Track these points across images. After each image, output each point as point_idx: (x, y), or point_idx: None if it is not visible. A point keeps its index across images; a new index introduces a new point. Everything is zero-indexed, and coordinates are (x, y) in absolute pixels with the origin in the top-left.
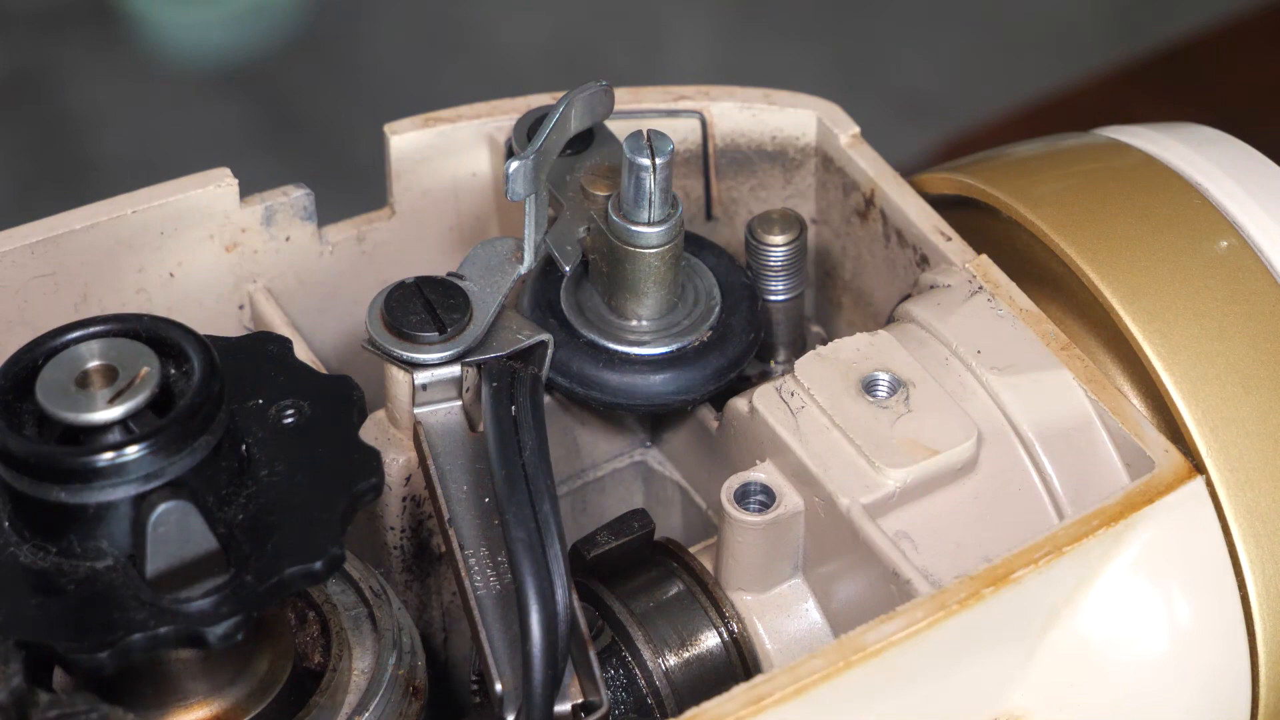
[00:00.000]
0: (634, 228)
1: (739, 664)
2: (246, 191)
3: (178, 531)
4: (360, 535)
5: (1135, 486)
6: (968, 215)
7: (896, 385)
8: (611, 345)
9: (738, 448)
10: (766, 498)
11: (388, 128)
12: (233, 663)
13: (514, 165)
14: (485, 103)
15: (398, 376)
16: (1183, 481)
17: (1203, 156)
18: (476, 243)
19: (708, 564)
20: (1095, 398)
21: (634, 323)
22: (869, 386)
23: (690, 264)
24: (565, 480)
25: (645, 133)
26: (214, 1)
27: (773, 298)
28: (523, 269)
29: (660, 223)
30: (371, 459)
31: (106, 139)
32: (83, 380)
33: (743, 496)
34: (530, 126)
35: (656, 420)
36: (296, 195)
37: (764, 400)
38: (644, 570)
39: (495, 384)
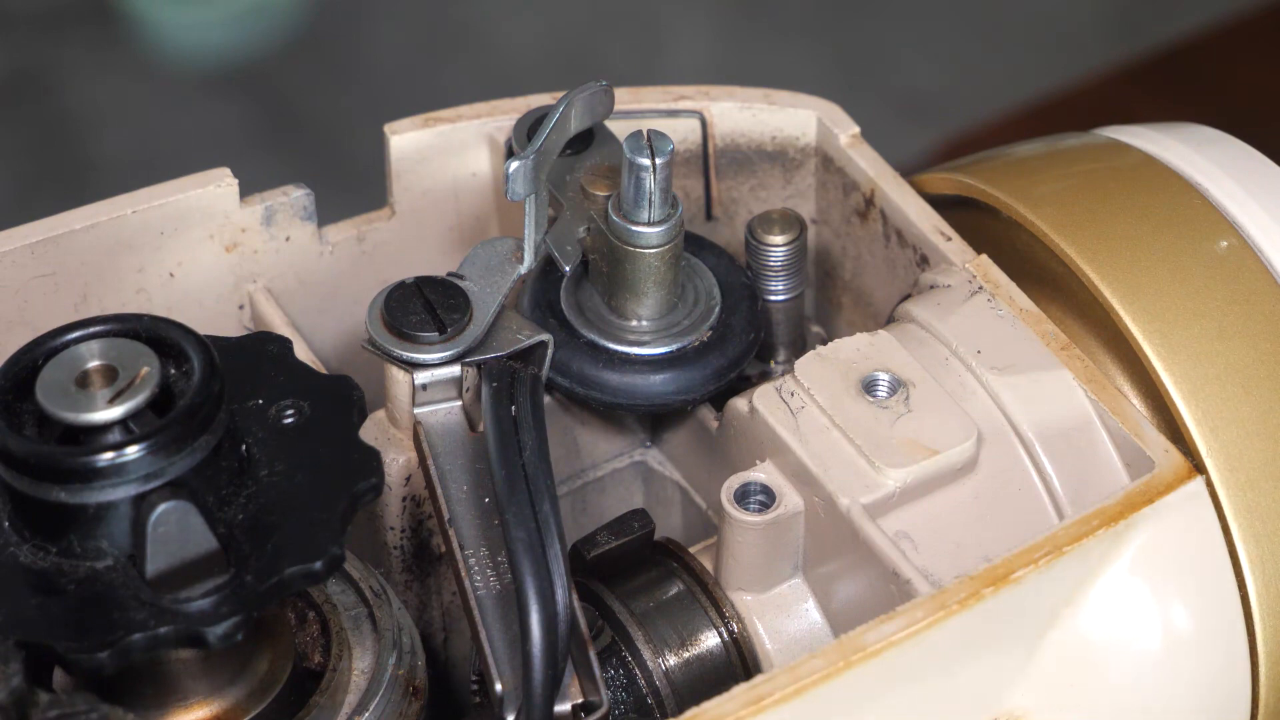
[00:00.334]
0: (634, 228)
1: (739, 664)
2: (246, 191)
3: (178, 531)
4: (360, 535)
5: (1135, 486)
6: (968, 215)
7: (896, 385)
8: (611, 345)
9: (738, 448)
10: (766, 498)
11: (388, 128)
12: (233, 663)
13: (514, 165)
14: (485, 103)
15: (398, 376)
16: (1183, 481)
17: (1203, 156)
18: (476, 243)
19: (708, 564)
20: (1095, 398)
21: (634, 323)
22: (869, 386)
23: (690, 264)
24: (565, 480)
25: (645, 133)
26: (214, 1)
27: (773, 298)
28: (523, 269)
29: (660, 223)
30: (371, 459)
31: (106, 139)
32: (83, 380)
33: (743, 496)
34: (530, 126)
35: (656, 420)
36: (296, 195)
37: (764, 400)
38: (644, 570)
39: (495, 384)
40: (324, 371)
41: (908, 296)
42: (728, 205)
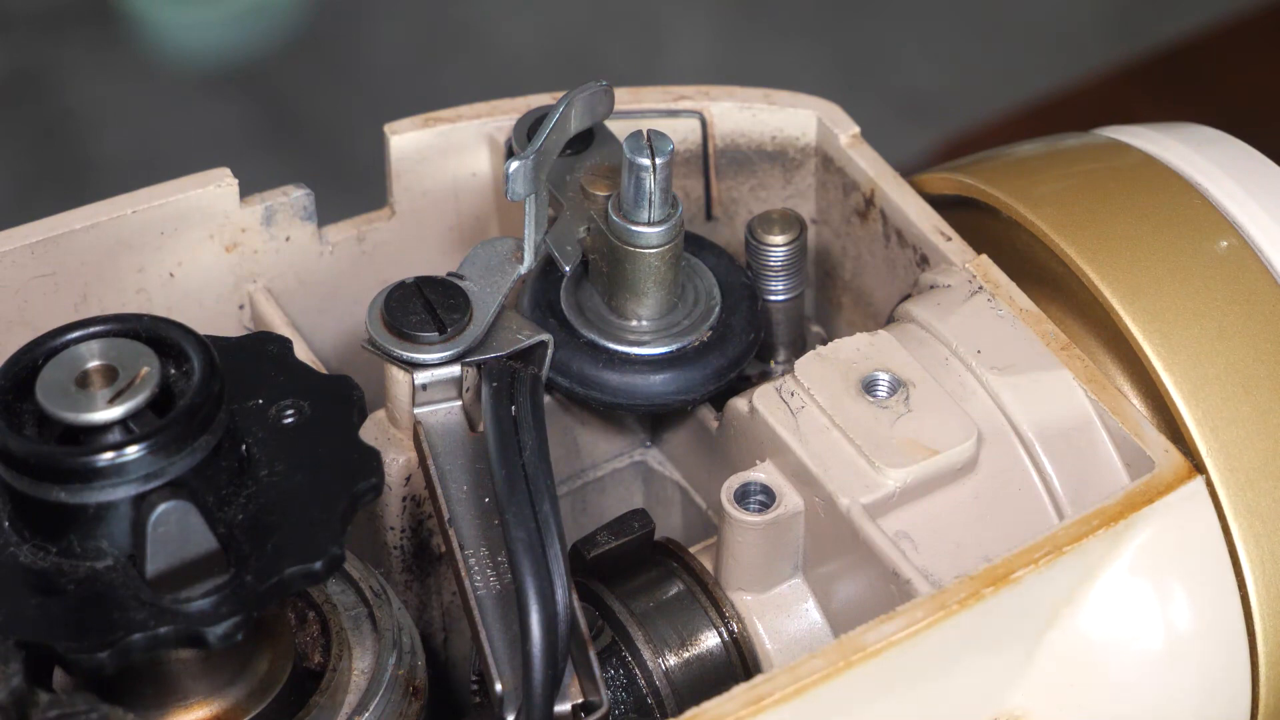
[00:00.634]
0: (634, 228)
1: (739, 664)
2: (246, 191)
3: (178, 531)
4: (360, 535)
5: (1135, 486)
6: (968, 215)
7: (896, 385)
8: (611, 345)
9: (738, 448)
10: (766, 498)
11: (388, 128)
12: (233, 663)
13: (514, 165)
14: (485, 103)
15: (398, 376)
16: (1183, 481)
17: (1203, 156)
18: (476, 243)
19: (708, 564)
20: (1095, 398)
21: (634, 323)
22: (869, 386)
23: (690, 264)
24: (565, 480)
25: (645, 133)
26: (214, 1)
27: (773, 298)
28: (523, 269)
29: (660, 223)
30: (371, 459)
31: (106, 139)
32: (83, 380)
33: (743, 496)
34: (530, 126)
35: (656, 420)
36: (296, 195)
37: (764, 400)
38: (644, 570)
39: (495, 384)
40: (324, 371)
41: (908, 296)
42: (728, 205)
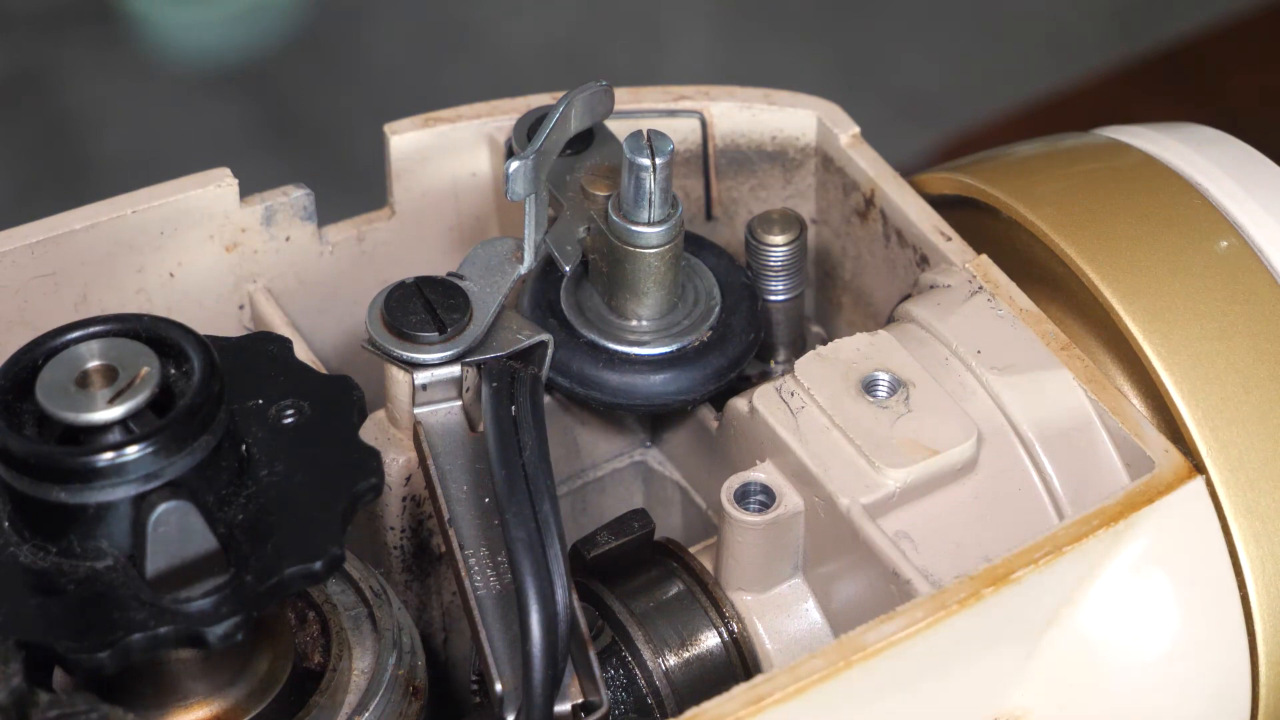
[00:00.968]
0: (634, 228)
1: (739, 664)
2: (246, 191)
3: (178, 531)
4: (360, 535)
5: (1135, 486)
6: (968, 215)
7: (896, 385)
8: (611, 345)
9: (738, 448)
10: (766, 498)
11: (388, 128)
12: (233, 663)
13: (514, 165)
14: (485, 103)
15: (398, 376)
16: (1183, 481)
17: (1203, 156)
18: (476, 243)
19: (708, 564)
20: (1095, 398)
21: (634, 323)
22: (869, 386)
23: (690, 264)
24: (565, 480)
25: (645, 133)
26: (214, 1)
27: (773, 298)
28: (523, 269)
29: (660, 223)
30: (371, 459)
31: (106, 139)
32: (83, 380)
33: (743, 496)
34: (530, 126)
35: (656, 420)
36: (296, 195)
37: (764, 400)
38: (644, 570)
39: (495, 384)
40: (324, 371)
41: (908, 296)
42: (728, 205)
